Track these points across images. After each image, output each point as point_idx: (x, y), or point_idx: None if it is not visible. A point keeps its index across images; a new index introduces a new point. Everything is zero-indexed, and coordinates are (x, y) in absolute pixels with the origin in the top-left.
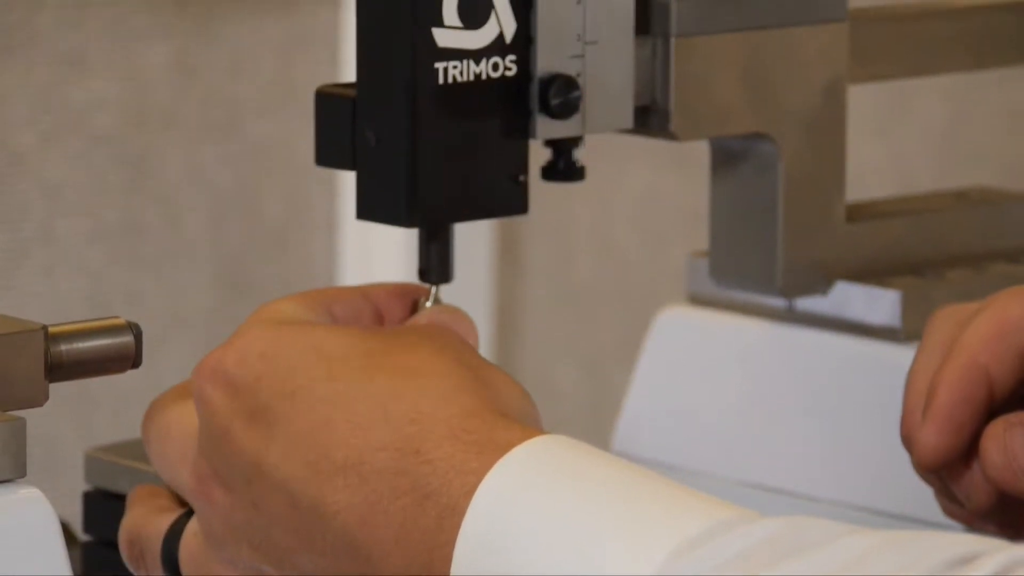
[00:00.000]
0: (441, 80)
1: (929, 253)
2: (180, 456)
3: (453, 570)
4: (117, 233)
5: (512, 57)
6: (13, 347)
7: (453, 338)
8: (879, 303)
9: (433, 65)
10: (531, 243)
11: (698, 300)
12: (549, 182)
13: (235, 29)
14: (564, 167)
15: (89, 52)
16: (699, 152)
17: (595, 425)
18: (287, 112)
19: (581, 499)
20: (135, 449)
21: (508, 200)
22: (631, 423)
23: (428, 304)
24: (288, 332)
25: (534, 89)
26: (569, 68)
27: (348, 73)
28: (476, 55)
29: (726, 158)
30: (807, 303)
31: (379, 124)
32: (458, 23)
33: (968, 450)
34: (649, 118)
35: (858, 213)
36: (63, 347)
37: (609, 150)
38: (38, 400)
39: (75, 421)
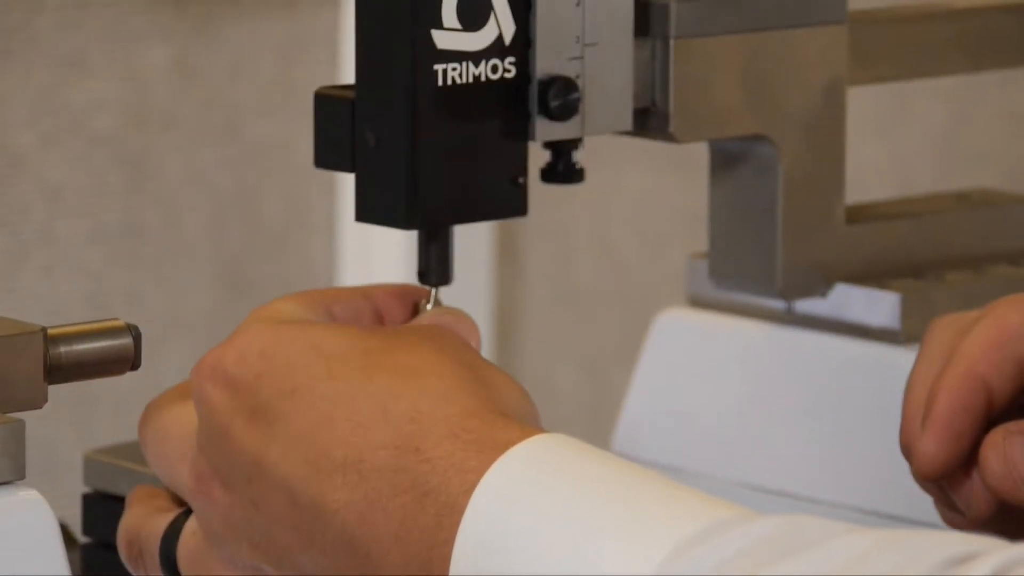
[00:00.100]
0: (440, 82)
1: (929, 255)
2: (179, 456)
3: (452, 568)
4: (117, 234)
5: (511, 59)
6: (12, 349)
7: (453, 338)
8: (879, 305)
9: (432, 67)
10: (531, 245)
11: (698, 302)
12: (548, 184)
13: (235, 30)
14: (563, 169)
15: (89, 53)
16: (698, 154)
17: (595, 427)
18: (287, 113)
19: (580, 498)
20: (134, 451)
21: (507, 202)
22: (631, 425)
23: (429, 307)
24: (288, 331)
25: (533, 91)
26: (568, 70)
27: (347, 75)
28: (475, 57)
29: (725, 160)
30: (807, 305)
31: (378, 126)
32: (457, 25)
33: (968, 459)
34: (648, 120)
35: (858, 215)
36: (62, 349)
37: (608, 152)
38: (37, 402)
39: (74, 423)
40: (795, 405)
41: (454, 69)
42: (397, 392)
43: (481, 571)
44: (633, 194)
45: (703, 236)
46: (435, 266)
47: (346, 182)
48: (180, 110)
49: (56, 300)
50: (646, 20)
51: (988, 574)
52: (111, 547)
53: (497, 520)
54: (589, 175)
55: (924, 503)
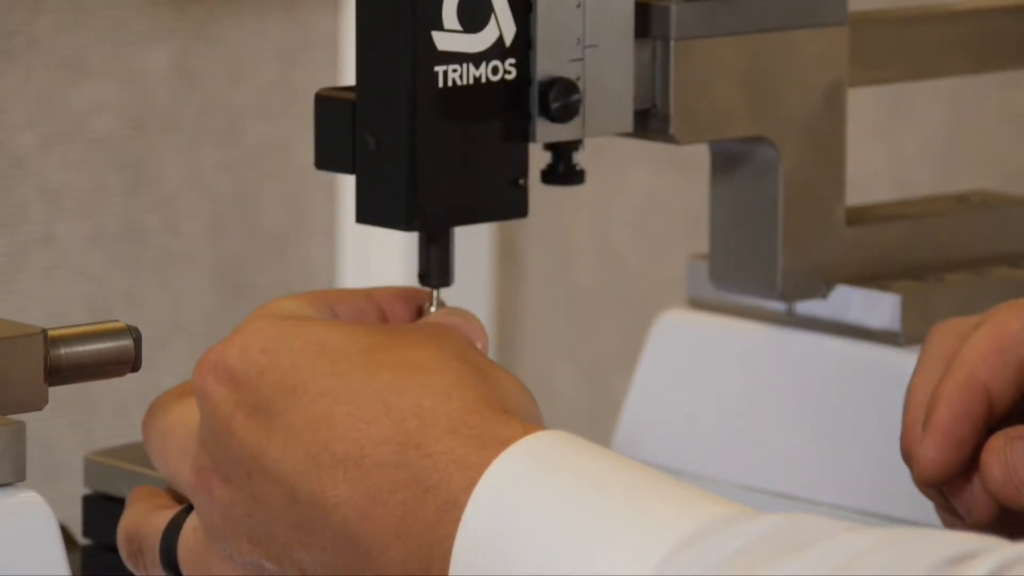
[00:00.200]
0: (441, 84)
1: (929, 257)
2: (180, 452)
3: (452, 564)
4: (117, 237)
5: (512, 60)
6: (13, 351)
7: (456, 336)
8: (879, 307)
9: (433, 68)
10: (531, 247)
11: (698, 304)
12: (549, 185)
13: (235, 33)
14: (564, 170)
15: (89, 56)
16: (699, 156)
17: (595, 429)
18: (287, 116)
19: (581, 495)
20: (135, 453)
21: (508, 203)
22: (631, 427)
23: (432, 309)
24: (290, 327)
25: (534, 92)
26: (569, 72)
27: (348, 77)
28: (476, 59)
29: (726, 162)
30: (807, 307)
31: (379, 128)
32: (458, 27)
33: (968, 465)
34: (649, 121)
35: (858, 217)
36: (63, 351)
37: (609, 154)
38: (38, 404)
39: (75, 425)
40: (795, 407)
41: (454, 71)
42: (399, 388)
43: (481, 568)
44: (634, 196)
45: (703, 238)
46: (436, 268)
47: (347, 184)
48: (180, 112)
49: (56, 302)
50: (646, 22)
51: (987, 573)
52: (111, 549)
53: (498, 517)
54: (590, 177)
55: (924, 505)
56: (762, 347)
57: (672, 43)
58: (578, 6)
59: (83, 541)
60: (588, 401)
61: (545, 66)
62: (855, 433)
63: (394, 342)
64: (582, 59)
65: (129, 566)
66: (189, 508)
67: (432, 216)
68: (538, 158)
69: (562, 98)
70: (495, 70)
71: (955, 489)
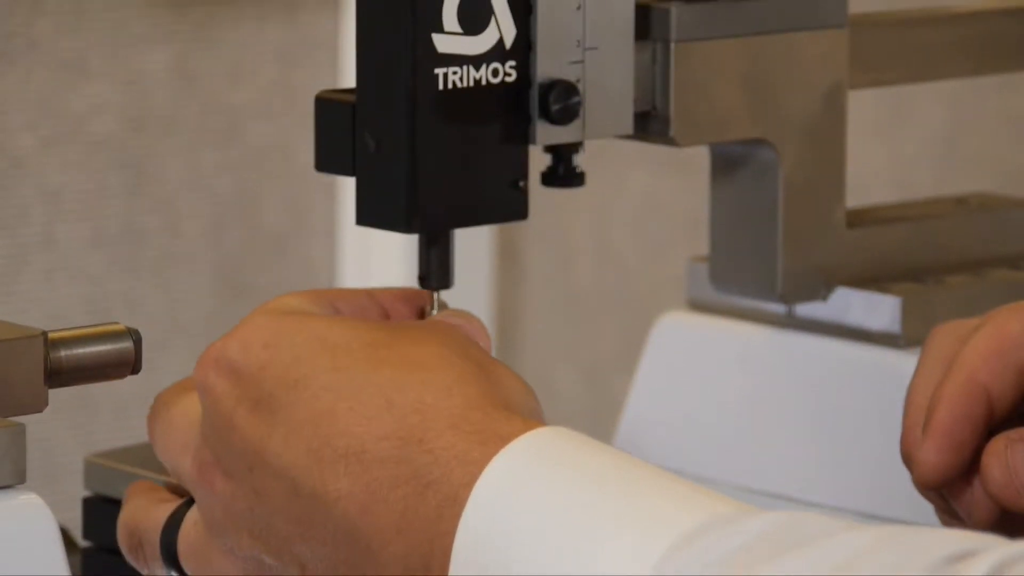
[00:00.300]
0: (441, 86)
1: (929, 259)
2: (182, 446)
3: (452, 560)
4: (117, 238)
5: (512, 63)
6: (13, 353)
7: (458, 334)
8: (879, 309)
9: (433, 71)
10: (531, 249)
11: (698, 306)
12: (549, 188)
13: (235, 34)
14: (564, 173)
15: (89, 57)
16: (699, 158)
17: (595, 430)
18: (287, 117)
19: (581, 491)
20: (135, 455)
21: (508, 206)
22: (631, 428)
23: (433, 312)
24: (292, 322)
25: (534, 95)
26: (569, 74)
27: (348, 78)
28: (476, 61)
29: (726, 164)
30: (807, 309)
31: (379, 130)
32: (458, 29)
33: (968, 467)
34: (649, 124)
35: (858, 219)
36: (63, 353)
37: (609, 156)
38: (38, 406)
39: (75, 427)
40: (795, 409)
41: (455, 73)
42: (402, 384)
43: (481, 564)
44: (634, 198)
45: (704, 240)
46: (436, 270)
47: (347, 185)
48: (180, 114)
49: (56, 304)
50: (647, 24)
51: (987, 572)
52: (112, 551)
53: (498, 513)
54: (590, 179)
55: (924, 508)
56: (762, 349)
57: (672, 45)
58: (578, 8)
59: (83, 543)
60: (588, 402)
61: (545, 68)
62: (855, 435)
63: (396, 338)
64: (582, 61)
65: (129, 560)
66: (190, 502)
67: (432, 218)
68: (538, 160)
69: (562, 100)
70: (495, 72)
71: (955, 492)
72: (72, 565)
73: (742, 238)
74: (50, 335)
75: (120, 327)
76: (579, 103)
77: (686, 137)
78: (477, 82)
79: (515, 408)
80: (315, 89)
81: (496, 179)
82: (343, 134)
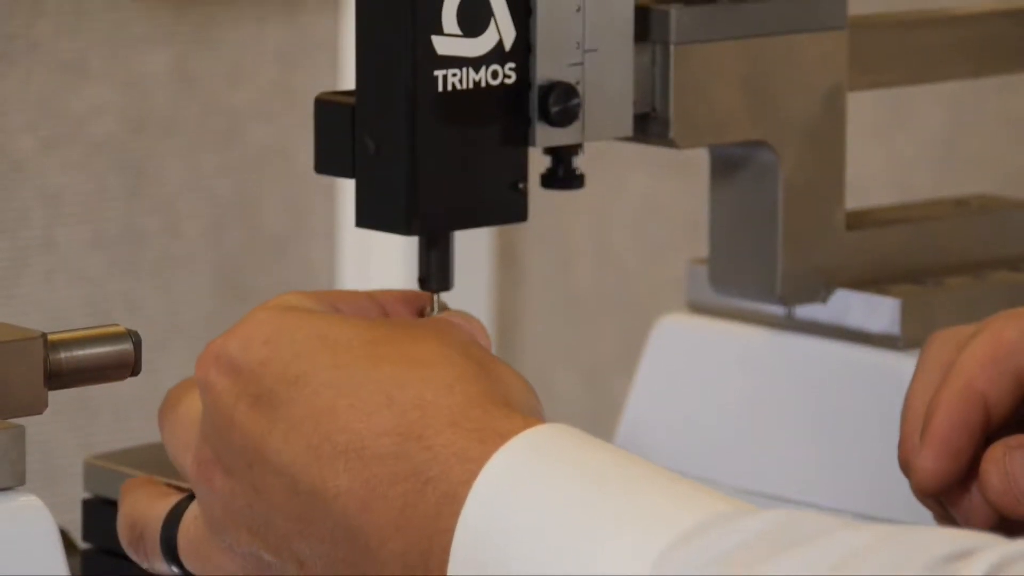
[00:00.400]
0: (440, 88)
1: (929, 261)
2: (185, 443)
3: (451, 557)
4: (117, 240)
5: (511, 65)
6: (13, 355)
7: (458, 332)
8: (879, 311)
9: (432, 73)
10: (531, 251)
11: (697, 308)
12: (548, 189)
13: (235, 36)
14: (563, 175)
15: (89, 59)
16: (699, 159)
17: (594, 431)
18: (287, 119)
19: (580, 489)
20: (135, 457)
21: (508, 207)
22: (631, 430)
23: (433, 314)
24: (293, 319)
25: (533, 97)
26: (568, 76)
27: (348, 80)
28: (475, 63)
29: (726, 166)
30: (807, 311)
31: (379, 132)
32: (457, 31)
33: (966, 474)
34: (648, 126)
35: (858, 221)
36: (63, 355)
37: (608, 158)
38: (38, 408)
39: (74, 429)
40: (795, 410)
41: (454, 75)
42: (402, 381)
43: (480, 562)
44: (633, 200)
45: (703, 242)
46: (435, 272)
47: (346, 186)
48: (180, 115)
49: (56, 306)
50: (646, 26)
51: (985, 571)
52: (111, 553)
53: (497, 511)
54: (589, 181)
55: (923, 509)
56: (762, 351)
57: (672, 47)
58: (578, 10)
59: (83, 545)
60: (588, 404)
61: (545, 70)
62: (854, 437)
63: (396, 336)
64: (582, 63)
65: (130, 553)
66: (190, 497)
67: (432, 220)
68: (538, 162)
69: (562, 102)
70: (495, 74)
71: (953, 499)
72: (72, 567)
73: (742, 240)
74: (50, 337)
75: (120, 329)
76: (579, 105)
77: (686, 139)
78: (477, 84)
79: (515, 406)
80: (315, 90)
81: (496, 181)
82: (343, 136)
